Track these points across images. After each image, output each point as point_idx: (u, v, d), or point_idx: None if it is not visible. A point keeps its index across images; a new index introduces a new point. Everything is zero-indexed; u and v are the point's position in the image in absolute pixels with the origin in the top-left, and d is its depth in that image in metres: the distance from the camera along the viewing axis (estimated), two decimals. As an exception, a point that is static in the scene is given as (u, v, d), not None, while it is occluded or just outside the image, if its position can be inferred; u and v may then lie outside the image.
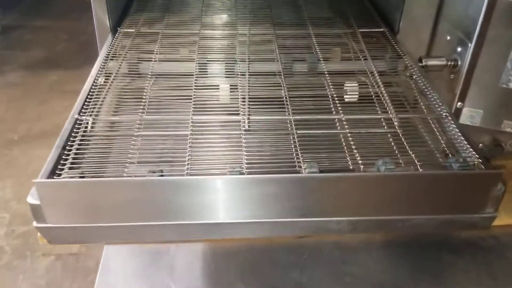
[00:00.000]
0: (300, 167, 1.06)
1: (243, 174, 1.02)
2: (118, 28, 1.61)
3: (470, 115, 1.50)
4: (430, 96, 1.33)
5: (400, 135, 1.17)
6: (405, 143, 1.15)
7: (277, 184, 0.98)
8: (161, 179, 0.97)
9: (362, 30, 1.65)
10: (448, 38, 1.52)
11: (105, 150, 1.13)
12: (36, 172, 0.98)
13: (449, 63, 1.48)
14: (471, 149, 1.10)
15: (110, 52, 1.48)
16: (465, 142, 1.13)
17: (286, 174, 1.03)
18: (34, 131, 3.04)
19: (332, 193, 1.00)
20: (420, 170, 1.06)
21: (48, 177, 0.99)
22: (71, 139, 1.11)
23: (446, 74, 1.52)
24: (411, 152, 1.12)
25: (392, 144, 1.16)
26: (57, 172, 1.01)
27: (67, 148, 1.09)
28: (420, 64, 1.49)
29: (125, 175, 1.02)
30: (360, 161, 1.08)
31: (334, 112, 1.26)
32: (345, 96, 1.38)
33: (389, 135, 1.19)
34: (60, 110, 3.25)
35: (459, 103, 1.50)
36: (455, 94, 1.49)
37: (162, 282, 1.21)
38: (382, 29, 1.67)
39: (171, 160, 1.11)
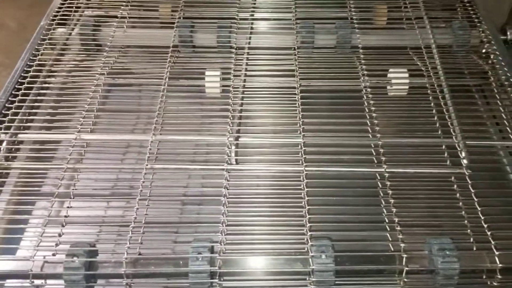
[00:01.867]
0: (307, 244, 0.67)
1: (212, 258, 0.65)
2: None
3: None
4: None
5: (470, 185, 0.75)
6: (475, 199, 0.73)
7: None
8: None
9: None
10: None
11: (20, 197, 0.77)
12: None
13: (548, 36, 1.00)
14: None
15: (59, 11, 1.06)
16: None
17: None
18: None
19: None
20: (498, 265, 0.66)
21: None
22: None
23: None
24: (484, 223, 0.70)
25: (458, 197, 0.75)
26: None
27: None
28: (503, 38, 1.01)
29: (36, 257, 0.66)
30: (401, 237, 0.68)
31: (369, 127, 0.84)
32: (388, 89, 0.94)
33: (452, 179, 0.77)
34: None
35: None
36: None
37: None
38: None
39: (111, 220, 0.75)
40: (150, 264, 0.67)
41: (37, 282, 0.67)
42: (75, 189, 0.77)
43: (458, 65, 0.98)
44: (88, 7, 1.09)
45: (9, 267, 0.69)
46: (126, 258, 0.66)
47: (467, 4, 1.07)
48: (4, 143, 0.81)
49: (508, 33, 1.01)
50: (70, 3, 1.08)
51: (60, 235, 0.70)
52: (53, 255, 0.68)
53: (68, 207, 0.74)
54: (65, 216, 0.73)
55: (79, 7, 1.08)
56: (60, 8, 1.06)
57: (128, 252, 0.67)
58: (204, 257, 0.66)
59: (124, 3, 1.07)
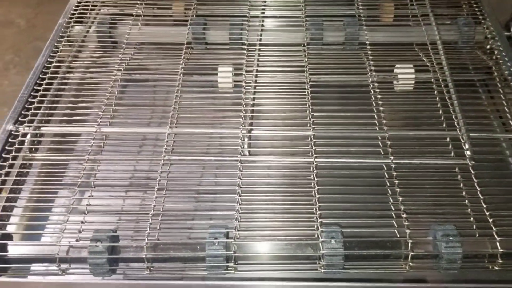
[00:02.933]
0: (317, 230, 0.71)
1: (228, 243, 0.70)
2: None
3: None
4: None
5: (473, 176, 0.79)
6: (478, 189, 0.77)
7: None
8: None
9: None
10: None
11: (43, 186, 0.81)
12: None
13: (551, 32, 1.03)
14: None
15: (77, 9, 1.09)
16: None
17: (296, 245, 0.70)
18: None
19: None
20: (500, 250, 0.69)
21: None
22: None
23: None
24: (486, 211, 0.74)
25: (461, 186, 0.78)
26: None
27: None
28: (507, 34, 1.04)
29: (61, 242, 0.71)
30: (407, 224, 0.72)
31: (376, 120, 0.87)
32: (395, 84, 0.98)
33: (456, 170, 0.81)
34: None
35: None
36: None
37: None
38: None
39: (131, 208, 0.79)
40: (169, 249, 0.71)
41: (63, 266, 0.71)
42: (96, 180, 0.81)
43: (463, 60, 1.01)
44: (104, 5, 1.13)
45: (35, 252, 0.73)
46: (147, 243, 0.70)
47: (472, 1, 1.10)
48: (28, 136, 0.85)
49: (512, 29, 1.04)
50: (87, 2, 1.12)
51: (83, 223, 0.74)
52: (77, 240, 0.72)
53: (89, 196, 0.78)
54: (87, 205, 0.77)
55: (95, 5, 1.12)
56: (77, 6, 1.10)
57: (148, 238, 0.70)
58: (220, 242, 0.69)
59: (138, 1, 1.11)
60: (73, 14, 1.08)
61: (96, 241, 0.70)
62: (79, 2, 1.11)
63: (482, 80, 1.00)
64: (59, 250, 0.70)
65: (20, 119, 0.87)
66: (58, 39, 1.03)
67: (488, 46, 1.04)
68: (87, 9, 1.11)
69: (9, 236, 0.74)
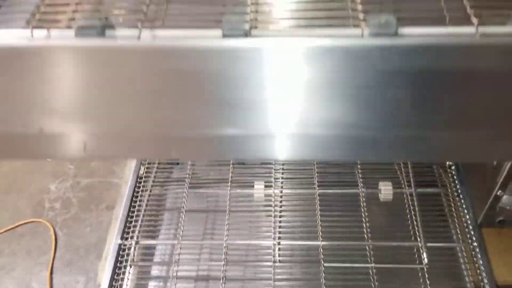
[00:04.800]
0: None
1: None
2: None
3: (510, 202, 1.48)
4: (462, 211, 1.31)
5: (426, 277, 1.20)
6: (429, 287, 1.18)
7: None
8: None
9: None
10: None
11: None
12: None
13: (493, 153, 1.42)
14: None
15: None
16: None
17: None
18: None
19: None
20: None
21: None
22: (115, 276, 1.23)
23: (490, 156, 1.46)
24: (434, 303, 1.16)
25: (421, 282, 1.20)
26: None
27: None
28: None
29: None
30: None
31: (364, 229, 1.29)
32: (379, 196, 1.38)
33: (418, 270, 1.22)
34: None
35: (499, 191, 1.46)
36: (497, 182, 1.45)
37: None
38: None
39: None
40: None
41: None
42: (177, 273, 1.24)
43: (430, 177, 1.41)
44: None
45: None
46: (217, 330, 1.13)
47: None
48: (132, 248, 1.28)
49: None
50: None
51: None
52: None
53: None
54: (174, 295, 1.21)
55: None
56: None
57: (218, 326, 1.14)
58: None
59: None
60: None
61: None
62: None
63: (445, 194, 1.39)
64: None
65: (125, 235, 1.29)
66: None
67: (447, 164, 1.43)
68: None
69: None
